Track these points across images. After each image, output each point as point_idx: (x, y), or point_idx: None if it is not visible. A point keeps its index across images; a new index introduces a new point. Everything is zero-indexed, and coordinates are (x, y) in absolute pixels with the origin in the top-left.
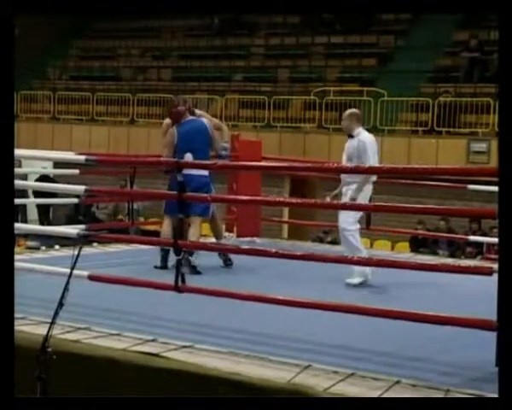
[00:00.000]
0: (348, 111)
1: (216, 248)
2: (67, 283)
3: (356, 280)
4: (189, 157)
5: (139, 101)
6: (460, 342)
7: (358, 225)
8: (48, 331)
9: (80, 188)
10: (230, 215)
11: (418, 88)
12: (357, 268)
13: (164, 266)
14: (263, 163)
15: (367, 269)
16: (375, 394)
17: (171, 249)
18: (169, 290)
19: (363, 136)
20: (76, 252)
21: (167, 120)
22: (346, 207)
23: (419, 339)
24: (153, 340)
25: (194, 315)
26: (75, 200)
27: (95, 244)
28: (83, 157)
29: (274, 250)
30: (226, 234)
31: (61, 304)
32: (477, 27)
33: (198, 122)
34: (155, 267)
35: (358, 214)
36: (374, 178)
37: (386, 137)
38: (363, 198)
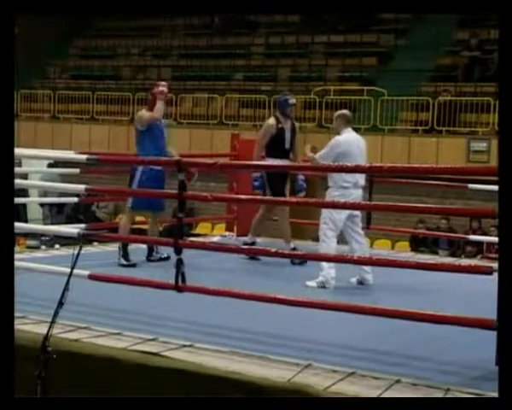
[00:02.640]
0: (337, 112)
1: (216, 248)
2: (68, 282)
3: (315, 283)
4: None
5: (139, 100)
6: (460, 342)
7: (334, 234)
8: (48, 331)
9: (80, 187)
10: (231, 214)
11: (418, 87)
12: (325, 267)
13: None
14: (263, 162)
15: (331, 273)
16: (375, 393)
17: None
18: (169, 290)
19: (341, 136)
20: (76, 251)
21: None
22: (346, 206)
23: (419, 338)
24: (153, 339)
25: (195, 314)
26: (75, 199)
27: (95, 244)
28: (84, 156)
29: (274, 250)
30: (226, 233)
31: (61, 303)
32: (477, 26)
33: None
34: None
35: (336, 218)
36: (361, 181)
37: (387, 137)
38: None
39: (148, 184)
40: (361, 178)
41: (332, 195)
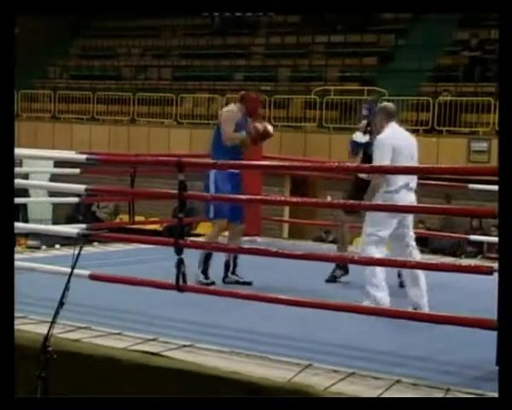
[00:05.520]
0: (378, 106)
1: (216, 248)
2: (68, 282)
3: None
4: None
5: (139, 100)
6: (460, 342)
7: (383, 249)
8: (48, 331)
9: (81, 187)
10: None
11: (418, 87)
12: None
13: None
14: (263, 162)
15: (384, 299)
16: (375, 393)
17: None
18: (170, 290)
19: (384, 133)
20: (76, 251)
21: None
22: (346, 206)
23: (419, 338)
24: (153, 339)
25: (195, 314)
26: (76, 199)
27: (95, 244)
28: (84, 156)
29: (275, 250)
30: (226, 233)
31: (61, 303)
32: (477, 26)
33: None
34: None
35: (385, 228)
36: (413, 183)
37: None
38: (389, 217)
39: (225, 189)
40: (412, 180)
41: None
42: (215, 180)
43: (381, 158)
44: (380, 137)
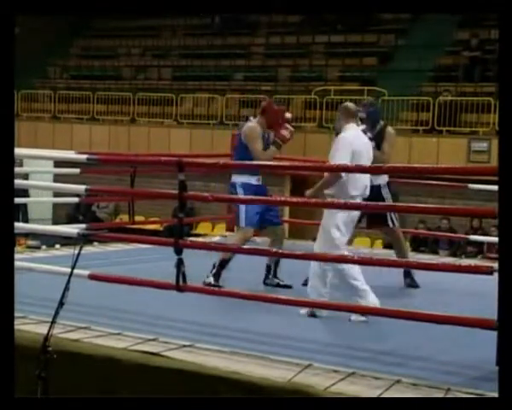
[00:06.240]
0: (340, 106)
1: (216, 248)
2: (68, 282)
3: (360, 317)
4: None
5: (140, 100)
6: (460, 342)
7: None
8: (48, 331)
9: (81, 187)
10: (231, 214)
11: (419, 87)
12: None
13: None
14: (263, 162)
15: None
16: (375, 393)
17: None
18: (170, 289)
19: (347, 133)
20: (76, 251)
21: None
22: (347, 206)
23: (419, 338)
24: (153, 339)
25: (195, 314)
26: (76, 199)
27: (95, 244)
28: (84, 156)
29: (274, 250)
30: (226, 233)
31: (61, 303)
32: (478, 26)
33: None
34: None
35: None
36: (356, 190)
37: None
38: (349, 219)
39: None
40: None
41: (335, 212)
42: (244, 191)
43: (341, 158)
44: (344, 136)
